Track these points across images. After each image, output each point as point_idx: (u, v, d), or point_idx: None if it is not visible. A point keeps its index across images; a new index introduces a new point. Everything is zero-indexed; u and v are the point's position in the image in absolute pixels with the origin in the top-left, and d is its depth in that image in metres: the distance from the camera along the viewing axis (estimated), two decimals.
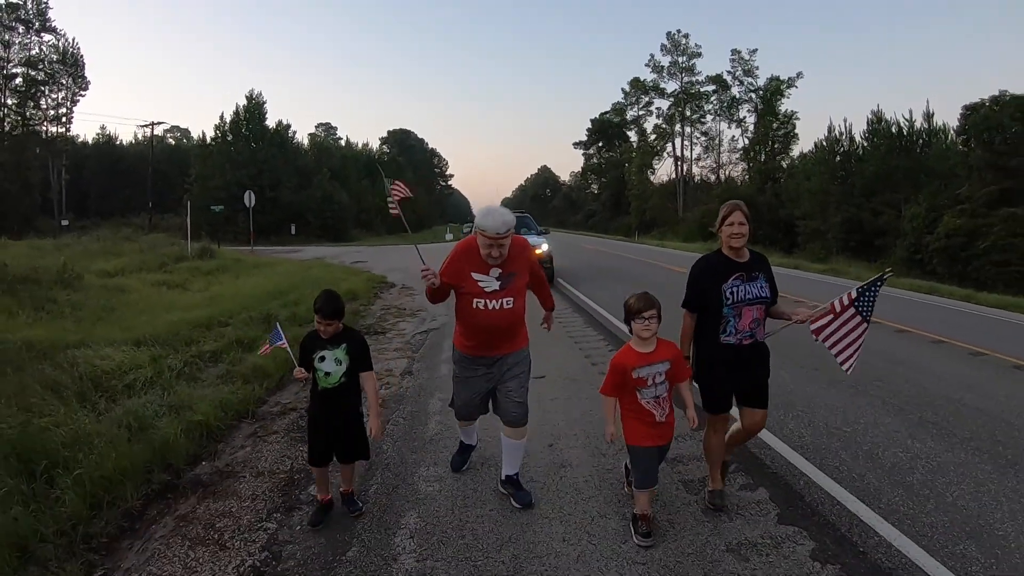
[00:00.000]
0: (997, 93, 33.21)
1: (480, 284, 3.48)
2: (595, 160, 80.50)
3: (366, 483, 3.91)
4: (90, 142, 57.25)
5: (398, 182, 4.28)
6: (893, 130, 39.46)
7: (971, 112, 34.04)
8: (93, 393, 5.65)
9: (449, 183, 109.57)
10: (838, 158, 42.27)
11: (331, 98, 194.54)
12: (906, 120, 39.77)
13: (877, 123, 40.85)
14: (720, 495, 3.65)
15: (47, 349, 7.31)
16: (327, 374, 3.40)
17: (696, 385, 3.59)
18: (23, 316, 9.38)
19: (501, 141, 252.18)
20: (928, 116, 39.60)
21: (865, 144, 41.32)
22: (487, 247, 3.40)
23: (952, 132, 37.77)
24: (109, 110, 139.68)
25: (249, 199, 25.43)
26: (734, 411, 3.68)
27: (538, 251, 12.88)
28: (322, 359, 3.39)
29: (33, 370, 6.28)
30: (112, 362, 6.58)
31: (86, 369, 6.25)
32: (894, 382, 6.35)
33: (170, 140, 71.22)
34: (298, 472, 4.16)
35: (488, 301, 3.48)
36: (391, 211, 4.15)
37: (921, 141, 39.21)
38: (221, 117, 47.02)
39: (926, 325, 9.81)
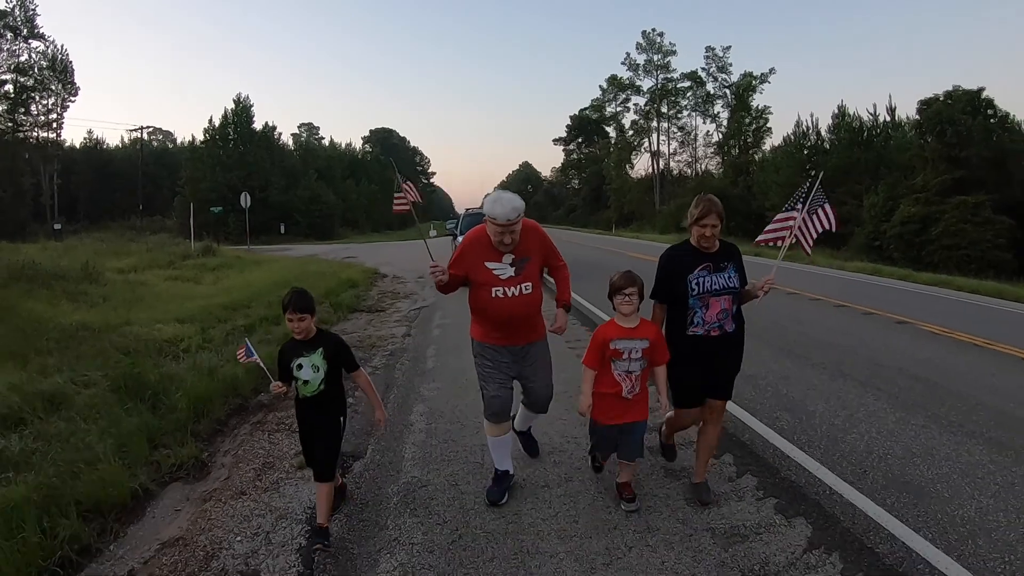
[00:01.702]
0: (951, 88, 35.45)
1: (495, 272, 3.43)
2: (575, 156, 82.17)
3: (386, 396, 5.51)
4: (77, 147, 57.90)
5: (409, 183, 4.22)
6: (855, 125, 41.58)
7: (927, 106, 36.16)
8: (158, 354, 7.17)
9: (432, 180, 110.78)
10: (805, 151, 44.38)
11: (312, 98, 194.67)
12: (870, 114, 42.01)
13: (841, 118, 43.01)
14: (672, 450, 3.97)
15: (101, 328, 8.76)
16: (305, 382, 3.31)
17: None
18: (64, 305, 10.79)
19: (483, 138, 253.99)
20: (891, 110, 41.83)
21: (832, 138, 43.45)
22: (498, 235, 3.34)
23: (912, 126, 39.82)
24: (91, 114, 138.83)
25: (245, 200, 26.79)
26: None
27: None
28: (299, 367, 3.29)
29: (101, 341, 7.78)
30: (166, 333, 8.09)
31: (148, 338, 7.77)
32: (783, 330, 8.06)
33: (153, 143, 71.83)
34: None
35: (506, 289, 3.42)
36: (398, 207, 4.14)
37: (886, 134, 41.34)
38: (210, 121, 48.27)
39: (839, 295, 11.54)
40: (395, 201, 4.16)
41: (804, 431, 4.56)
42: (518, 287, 3.44)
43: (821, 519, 3.37)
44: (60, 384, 5.83)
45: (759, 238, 3.91)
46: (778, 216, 3.80)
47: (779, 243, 3.78)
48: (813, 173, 41.38)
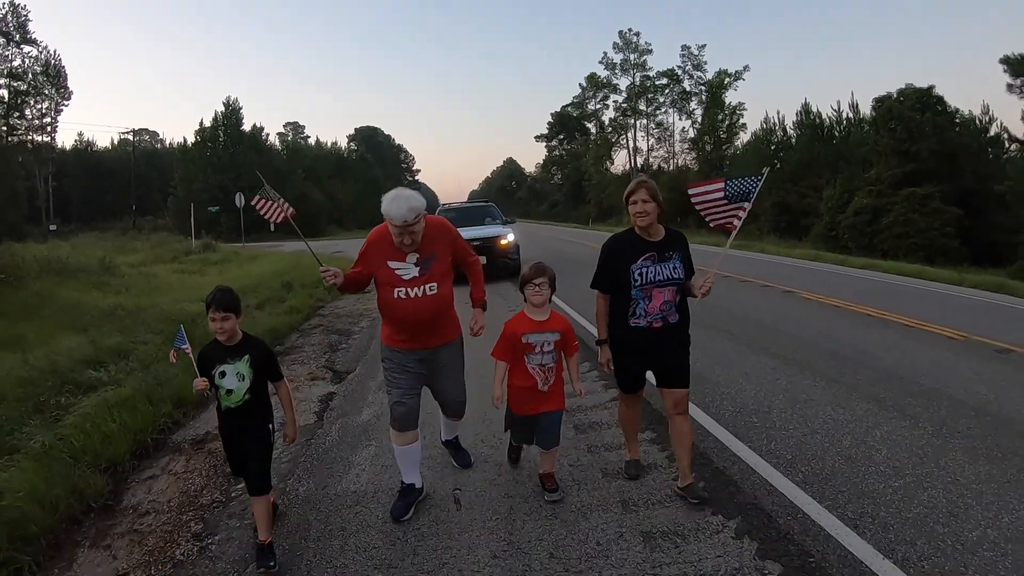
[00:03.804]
0: (903, 86, 37.75)
1: (397, 272, 3.33)
2: (557, 152, 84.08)
3: (369, 343, 7.46)
4: (68, 149, 59.20)
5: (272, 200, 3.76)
6: (816, 121, 43.95)
7: (880, 103, 38.50)
8: (192, 323, 9.06)
9: (416, 177, 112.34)
10: (772, 147, 46.69)
11: (297, 97, 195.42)
12: (834, 111, 44.36)
13: (805, 115, 45.36)
14: (636, 465, 3.80)
15: (134, 308, 10.62)
16: (229, 391, 3.09)
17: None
18: (93, 293, 12.61)
19: (468, 135, 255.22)
20: (854, 107, 44.14)
21: (797, 132, 45.81)
22: (398, 236, 3.24)
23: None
24: (78, 116, 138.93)
25: (239, 200, 28.53)
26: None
27: (503, 242, 13.21)
28: (223, 374, 3.08)
29: (139, 316, 9.65)
30: (193, 309, 9.96)
31: (179, 313, 9.65)
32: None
33: (140, 143, 72.83)
34: (334, 345, 7.71)
35: (408, 289, 3.32)
36: (273, 216, 3.74)
37: (849, 130, 43.62)
38: (200, 123, 49.93)
39: (752, 274, 13.58)
40: (266, 209, 3.77)
41: None
42: (422, 288, 3.33)
43: None
44: (121, 342, 7.73)
45: (713, 223, 3.59)
46: (723, 201, 3.51)
47: (727, 227, 3.53)
48: (778, 167, 43.94)
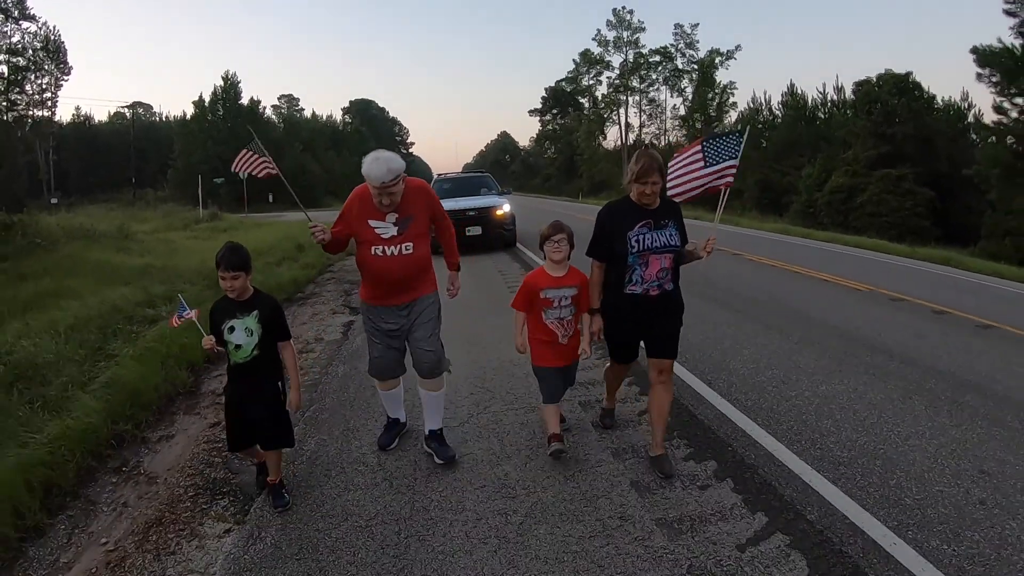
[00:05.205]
0: (883, 71, 39.13)
1: (376, 230, 3.46)
2: (551, 127, 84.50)
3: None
4: (65, 123, 59.88)
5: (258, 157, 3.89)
6: (801, 102, 45.30)
7: (860, 87, 39.93)
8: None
9: (411, 151, 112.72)
10: (759, 126, 47.99)
11: (291, 68, 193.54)
12: (819, 93, 45.71)
13: (791, 95, 46.68)
14: (610, 415, 4.11)
15: (162, 267, 12.04)
16: (238, 347, 3.17)
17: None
18: (120, 256, 13.98)
19: (462, 108, 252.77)
20: (839, 89, 45.47)
21: (781, 113, 47.17)
22: (377, 196, 3.38)
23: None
24: (74, 90, 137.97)
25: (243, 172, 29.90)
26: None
27: (499, 212, 13.50)
28: (231, 329, 3.16)
29: (169, 273, 11.10)
30: None
31: (206, 270, 11.13)
32: None
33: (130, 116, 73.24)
34: (347, 291, 9.26)
35: (386, 247, 3.46)
36: (262, 172, 3.84)
37: (832, 111, 44.95)
38: (200, 97, 50.94)
39: (719, 242, 15.11)
40: (247, 161, 3.92)
41: None
42: (399, 247, 3.47)
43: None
44: (167, 290, 9.21)
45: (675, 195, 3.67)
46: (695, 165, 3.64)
47: (722, 188, 3.66)
48: (764, 146, 45.31)
